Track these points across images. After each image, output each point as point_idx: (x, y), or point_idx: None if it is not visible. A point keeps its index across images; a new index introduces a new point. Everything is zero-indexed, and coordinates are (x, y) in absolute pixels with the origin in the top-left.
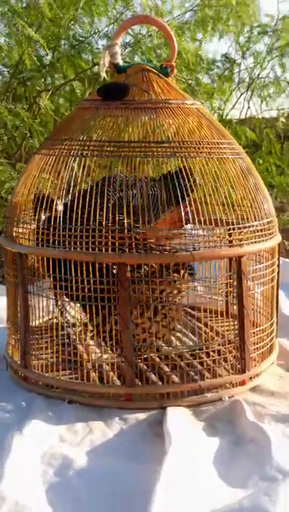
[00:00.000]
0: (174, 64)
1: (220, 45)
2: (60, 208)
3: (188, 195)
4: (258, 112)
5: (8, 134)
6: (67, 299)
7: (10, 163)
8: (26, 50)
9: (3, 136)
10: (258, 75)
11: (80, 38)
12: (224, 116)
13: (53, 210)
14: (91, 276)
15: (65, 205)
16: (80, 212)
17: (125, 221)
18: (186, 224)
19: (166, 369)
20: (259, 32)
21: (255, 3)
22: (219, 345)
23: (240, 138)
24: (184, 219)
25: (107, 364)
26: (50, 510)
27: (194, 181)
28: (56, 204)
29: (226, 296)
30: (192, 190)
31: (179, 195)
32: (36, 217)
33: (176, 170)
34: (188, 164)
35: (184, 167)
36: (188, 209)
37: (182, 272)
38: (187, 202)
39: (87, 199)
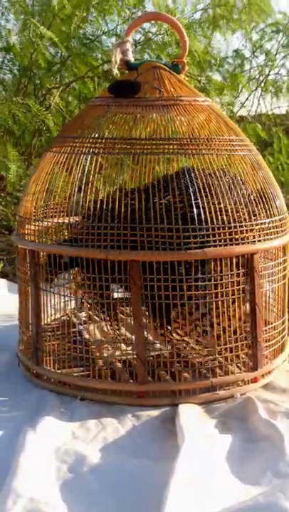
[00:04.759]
0: (186, 61)
1: (231, 41)
2: None
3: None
4: (268, 109)
5: (20, 130)
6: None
7: (21, 158)
8: (38, 49)
9: (15, 133)
10: (269, 71)
11: (91, 37)
12: (235, 114)
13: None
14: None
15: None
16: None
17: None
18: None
19: (179, 366)
20: (272, 30)
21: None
22: (231, 342)
23: (250, 135)
24: None
25: (119, 361)
26: (65, 506)
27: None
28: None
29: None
30: None
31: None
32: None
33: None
34: (200, 161)
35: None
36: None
37: None
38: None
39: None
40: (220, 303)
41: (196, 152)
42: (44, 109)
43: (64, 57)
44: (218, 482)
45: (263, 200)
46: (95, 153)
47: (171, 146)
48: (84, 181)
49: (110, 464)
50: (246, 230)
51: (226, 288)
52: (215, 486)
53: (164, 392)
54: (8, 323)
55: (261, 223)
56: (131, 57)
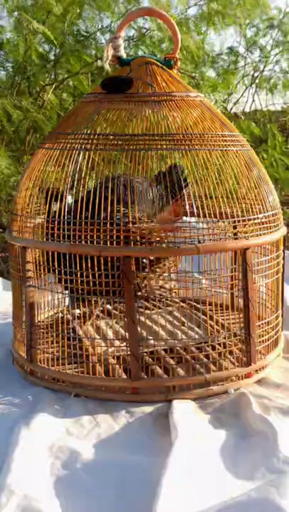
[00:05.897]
0: (178, 56)
1: (225, 38)
2: (70, 200)
3: (182, 189)
4: (263, 106)
5: (14, 127)
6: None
7: (14, 156)
8: (32, 45)
9: (8, 130)
10: (264, 68)
11: (85, 34)
12: (229, 110)
13: (64, 202)
14: (96, 269)
15: (75, 201)
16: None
17: (130, 214)
18: (186, 216)
19: (172, 362)
20: (267, 26)
21: None
22: (225, 338)
23: (244, 132)
24: (182, 212)
25: (113, 357)
26: (58, 503)
27: (185, 179)
28: (66, 197)
29: (231, 289)
30: (186, 185)
31: (177, 189)
32: (47, 210)
33: (170, 166)
34: (193, 157)
35: (175, 164)
36: (187, 202)
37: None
38: (184, 195)
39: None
40: None
41: (189, 148)
42: (36, 108)
43: (58, 54)
44: (212, 478)
45: (256, 196)
46: (88, 150)
47: (164, 142)
48: (76, 177)
49: (104, 460)
50: (239, 226)
51: None
52: (209, 482)
53: (157, 388)
54: (3, 321)
55: (254, 218)
56: (123, 53)
